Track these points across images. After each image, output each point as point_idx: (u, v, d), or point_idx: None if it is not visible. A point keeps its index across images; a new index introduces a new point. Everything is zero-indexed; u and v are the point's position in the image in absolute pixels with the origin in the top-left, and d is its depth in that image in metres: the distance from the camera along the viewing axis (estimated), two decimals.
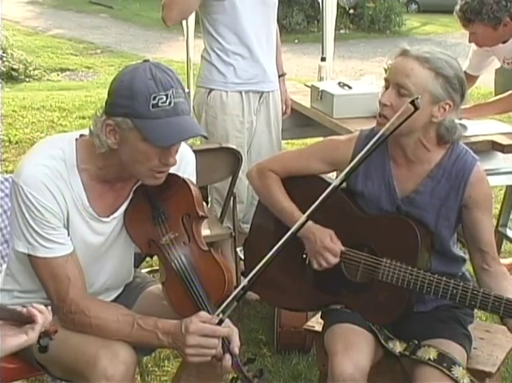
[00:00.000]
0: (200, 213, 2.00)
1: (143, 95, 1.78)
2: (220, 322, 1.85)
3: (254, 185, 2.42)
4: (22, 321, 1.60)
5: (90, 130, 1.89)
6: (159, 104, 1.78)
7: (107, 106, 1.85)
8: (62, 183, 1.89)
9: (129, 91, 1.78)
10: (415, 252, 2.14)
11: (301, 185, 2.32)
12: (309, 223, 2.11)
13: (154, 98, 1.78)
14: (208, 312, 1.88)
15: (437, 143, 2.16)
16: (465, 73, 3.73)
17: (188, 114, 1.86)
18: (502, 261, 2.82)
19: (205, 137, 2.02)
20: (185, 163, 2.03)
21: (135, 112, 1.79)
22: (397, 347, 2.15)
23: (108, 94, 1.86)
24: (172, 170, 1.95)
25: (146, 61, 1.87)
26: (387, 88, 2.11)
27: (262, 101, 3.50)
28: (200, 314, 1.86)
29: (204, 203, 2.12)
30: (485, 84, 5.59)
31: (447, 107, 2.08)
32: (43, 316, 1.62)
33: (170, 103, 1.79)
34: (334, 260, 2.22)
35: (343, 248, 2.22)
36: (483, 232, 2.18)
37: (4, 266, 2.20)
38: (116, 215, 2.00)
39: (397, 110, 1.95)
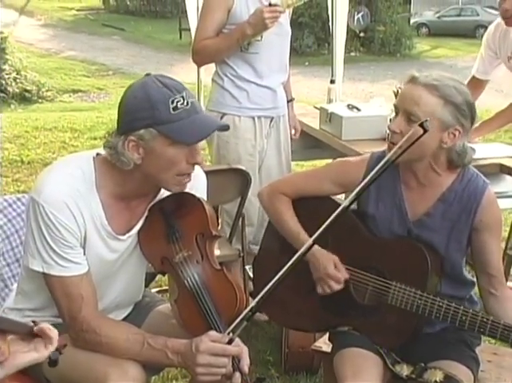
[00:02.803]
0: (214, 232, 2.02)
1: (161, 102, 1.82)
2: (230, 341, 1.85)
3: (265, 206, 2.44)
4: (31, 334, 1.60)
5: (109, 153, 1.90)
6: (179, 106, 1.83)
7: (124, 125, 1.87)
8: (82, 202, 1.90)
9: (148, 103, 1.82)
10: (425, 277, 2.13)
11: (312, 206, 2.33)
12: (315, 247, 2.12)
13: (172, 102, 1.82)
14: (219, 330, 1.88)
15: (447, 167, 2.16)
16: (474, 77, 3.78)
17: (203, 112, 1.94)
18: (510, 284, 2.82)
19: (227, 129, 2.05)
20: (197, 182, 2.05)
21: (157, 120, 1.82)
22: (404, 370, 2.14)
23: (123, 114, 1.88)
24: (186, 188, 1.98)
25: (148, 74, 1.91)
26: (396, 114, 2.13)
27: (273, 125, 3.54)
28: (210, 334, 1.86)
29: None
30: (496, 106, 5.61)
31: (457, 133, 2.09)
32: (53, 335, 1.63)
33: (187, 103, 1.84)
34: (337, 287, 2.23)
35: (347, 276, 2.23)
36: (491, 256, 2.18)
37: (15, 285, 2.22)
38: (131, 233, 2.01)
39: None
